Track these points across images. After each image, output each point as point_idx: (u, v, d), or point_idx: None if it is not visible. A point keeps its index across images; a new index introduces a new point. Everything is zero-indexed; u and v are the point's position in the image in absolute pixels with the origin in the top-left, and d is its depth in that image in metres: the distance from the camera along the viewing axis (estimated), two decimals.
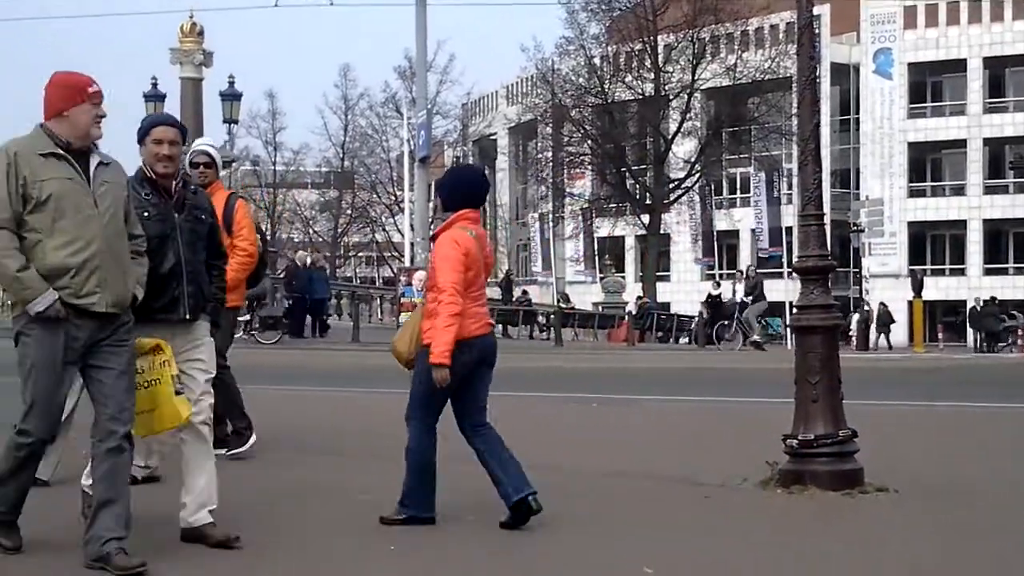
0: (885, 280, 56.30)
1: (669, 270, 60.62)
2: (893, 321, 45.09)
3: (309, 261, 31.22)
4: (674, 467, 8.53)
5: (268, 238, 7.96)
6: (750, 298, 31.11)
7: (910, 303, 39.72)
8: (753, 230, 59.27)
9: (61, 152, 5.16)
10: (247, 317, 15.09)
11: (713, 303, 39.58)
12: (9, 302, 5.36)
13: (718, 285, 42.31)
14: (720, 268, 55.39)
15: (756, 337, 30.31)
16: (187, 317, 5.71)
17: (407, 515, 6.19)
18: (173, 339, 5.63)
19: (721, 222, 57.37)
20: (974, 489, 7.67)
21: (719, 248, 59.62)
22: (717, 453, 9.28)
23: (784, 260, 50.08)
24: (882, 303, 46.48)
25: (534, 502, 6.16)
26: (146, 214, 5.59)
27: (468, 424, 6.29)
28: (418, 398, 6.24)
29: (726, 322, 31.99)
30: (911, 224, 59.80)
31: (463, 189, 6.43)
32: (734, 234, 60.86)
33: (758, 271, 35.50)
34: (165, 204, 5.70)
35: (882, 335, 43.30)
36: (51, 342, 5.10)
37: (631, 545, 6.01)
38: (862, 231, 49.08)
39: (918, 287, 38.27)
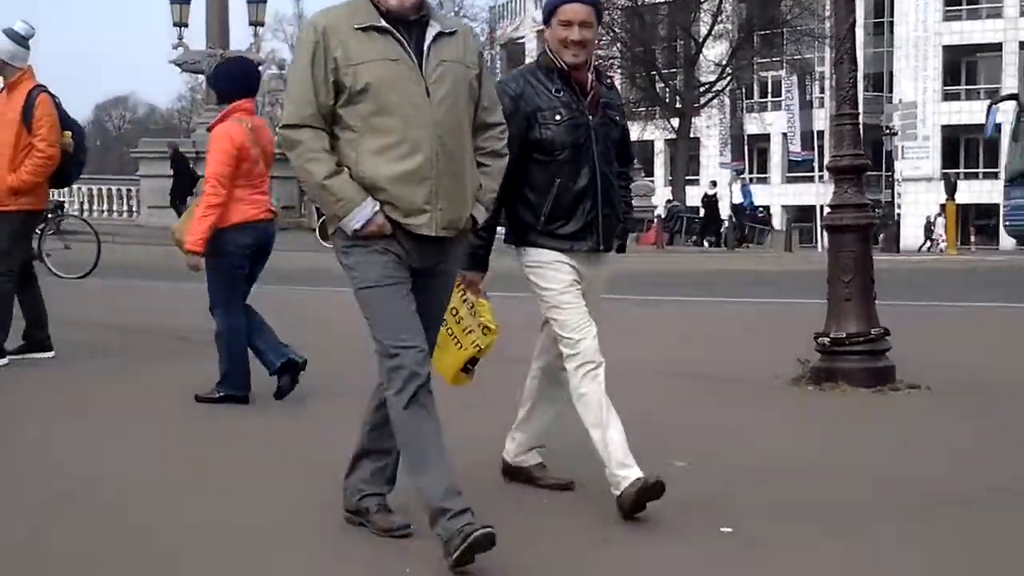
0: (918, 183, 55.84)
1: (698, 174, 60.21)
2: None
3: None
4: (703, 365, 8.52)
5: (85, 135, 7.78)
6: None
7: (943, 206, 39.45)
8: (784, 134, 58.71)
9: (385, 25, 3.88)
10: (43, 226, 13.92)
11: (708, 203, 39.46)
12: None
13: (714, 185, 42.06)
14: (750, 172, 54.95)
15: None
16: (601, 247, 4.62)
17: (222, 393, 6.61)
18: (578, 270, 4.58)
19: (752, 126, 56.76)
20: (1008, 385, 7.59)
21: (749, 152, 59.12)
22: (747, 351, 9.27)
23: (815, 164, 49.61)
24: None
25: (296, 355, 6.67)
26: (557, 117, 4.49)
27: None
28: (214, 285, 6.59)
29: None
30: (944, 128, 59.15)
31: (237, 80, 6.69)
32: (765, 138, 60.32)
33: None
34: (579, 104, 4.54)
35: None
36: (381, 257, 3.89)
37: (659, 440, 6.00)
38: (895, 134, 48.57)
39: (951, 190, 37.96)
